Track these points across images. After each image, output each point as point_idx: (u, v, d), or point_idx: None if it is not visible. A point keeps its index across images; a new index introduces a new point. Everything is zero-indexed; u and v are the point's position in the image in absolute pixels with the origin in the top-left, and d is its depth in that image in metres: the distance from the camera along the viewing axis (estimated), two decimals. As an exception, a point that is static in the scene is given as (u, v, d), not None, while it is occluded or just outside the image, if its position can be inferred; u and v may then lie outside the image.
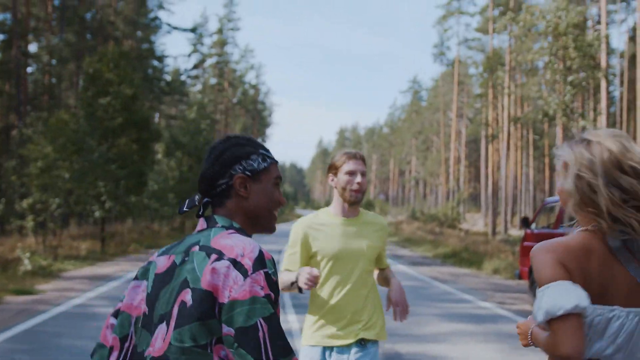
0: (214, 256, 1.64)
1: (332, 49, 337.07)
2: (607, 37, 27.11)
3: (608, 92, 37.09)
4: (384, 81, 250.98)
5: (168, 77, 47.36)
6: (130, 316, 1.78)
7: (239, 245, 1.65)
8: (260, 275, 1.59)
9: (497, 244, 25.88)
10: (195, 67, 55.82)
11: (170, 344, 1.61)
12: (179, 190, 29.86)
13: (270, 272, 1.63)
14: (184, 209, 1.86)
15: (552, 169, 39.01)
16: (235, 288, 1.57)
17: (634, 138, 38.97)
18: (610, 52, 39.32)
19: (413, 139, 75.50)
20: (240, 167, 1.80)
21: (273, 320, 1.57)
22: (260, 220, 1.84)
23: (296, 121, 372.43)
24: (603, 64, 29.61)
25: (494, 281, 16.54)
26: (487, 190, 44.17)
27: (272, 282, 1.62)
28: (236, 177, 1.79)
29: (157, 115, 45.86)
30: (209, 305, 1.59)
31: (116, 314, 1.83)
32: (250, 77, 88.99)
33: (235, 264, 1.60)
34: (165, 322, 1.65)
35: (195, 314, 1.59)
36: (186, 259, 1.70)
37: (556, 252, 1.81)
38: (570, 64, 18.56)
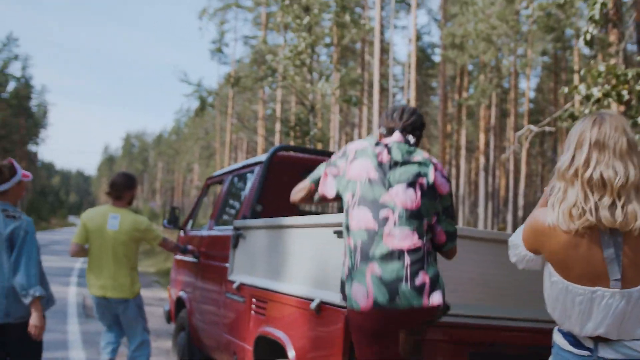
0: (432, 167, 3.17)
1: (116, 54, 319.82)
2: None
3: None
4: (172, 86, 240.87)
5: None
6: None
7: (440, 164, 3.25)
8: (448, 182, 3.25)
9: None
10: None
11: (421, 204, 3.06)
12: None
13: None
14: (412, 142, 3.31)
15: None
16: (444, 187, 3.19)
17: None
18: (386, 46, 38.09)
19: (196, 145, 70.46)
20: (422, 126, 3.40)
21: (452, 201, 3.29)
22: None
23: (80, 126, 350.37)
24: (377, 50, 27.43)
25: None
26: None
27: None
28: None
29: None
30: (435, 192, 3.15)
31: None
32: (13, 69, 79.21)
33: (442, 175, 3.20)
34: (406, 186, 3.07)
35: (429, 194, 3.12)
36: (410, 160, 3.15)
37: None
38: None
